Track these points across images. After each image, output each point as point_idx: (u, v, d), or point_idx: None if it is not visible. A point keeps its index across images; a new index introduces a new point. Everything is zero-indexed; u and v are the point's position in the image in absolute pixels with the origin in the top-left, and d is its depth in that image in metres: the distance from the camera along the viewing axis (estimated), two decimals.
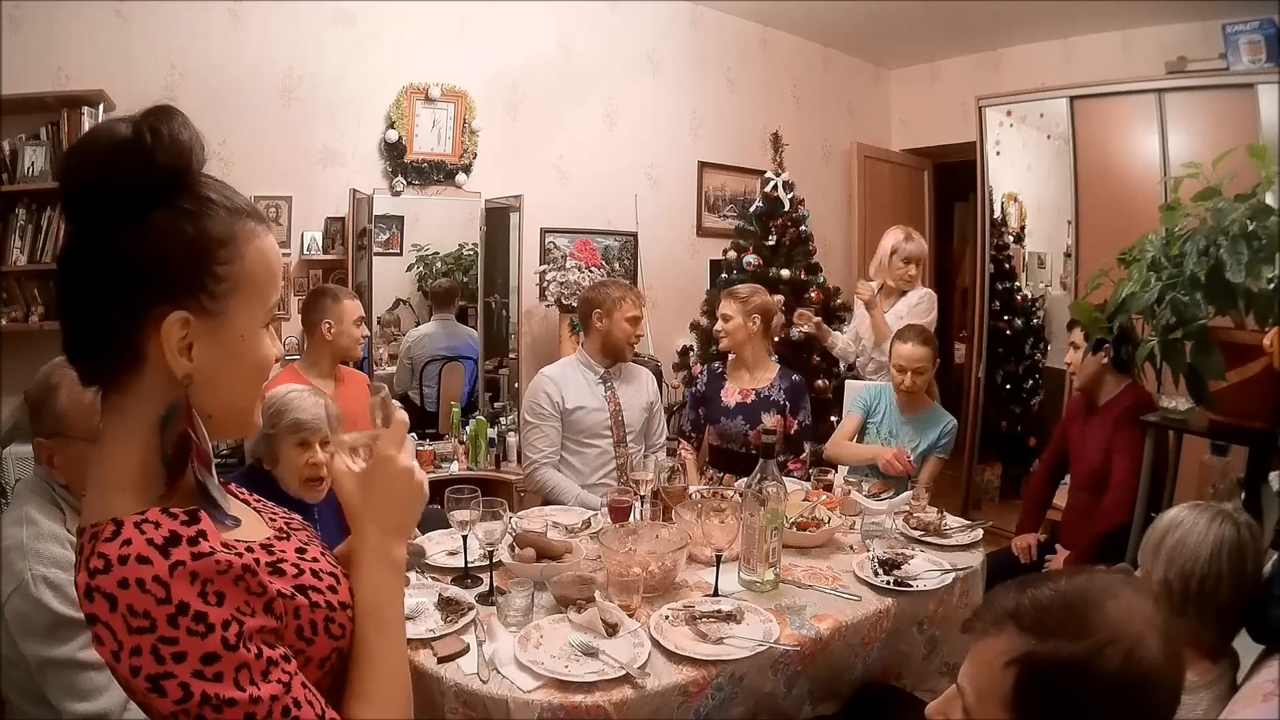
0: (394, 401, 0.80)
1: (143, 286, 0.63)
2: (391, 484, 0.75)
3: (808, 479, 2.34)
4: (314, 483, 1.70)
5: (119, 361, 0.65)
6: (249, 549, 0.68)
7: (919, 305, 3.10)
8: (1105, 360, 2.39)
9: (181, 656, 0.58)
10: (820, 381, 3.53)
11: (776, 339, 3.08)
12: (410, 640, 1.19)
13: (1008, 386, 4.23)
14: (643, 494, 2.00)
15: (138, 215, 0.62)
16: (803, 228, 3.74)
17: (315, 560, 0.74)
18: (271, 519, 0.79)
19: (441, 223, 3.69)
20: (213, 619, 0.59)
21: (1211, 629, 1.18)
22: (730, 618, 1.47)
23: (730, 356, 2.67)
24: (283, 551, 0.71)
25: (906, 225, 3.26)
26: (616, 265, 4.06)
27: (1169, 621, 0.72)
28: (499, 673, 1.28)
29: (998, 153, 4.15)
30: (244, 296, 0.67)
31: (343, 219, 3.38)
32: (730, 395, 2.61)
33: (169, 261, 0.63)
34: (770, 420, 2.48)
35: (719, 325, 2.65)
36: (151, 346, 0.64)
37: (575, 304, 3.05)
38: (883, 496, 2.22)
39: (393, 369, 3.65)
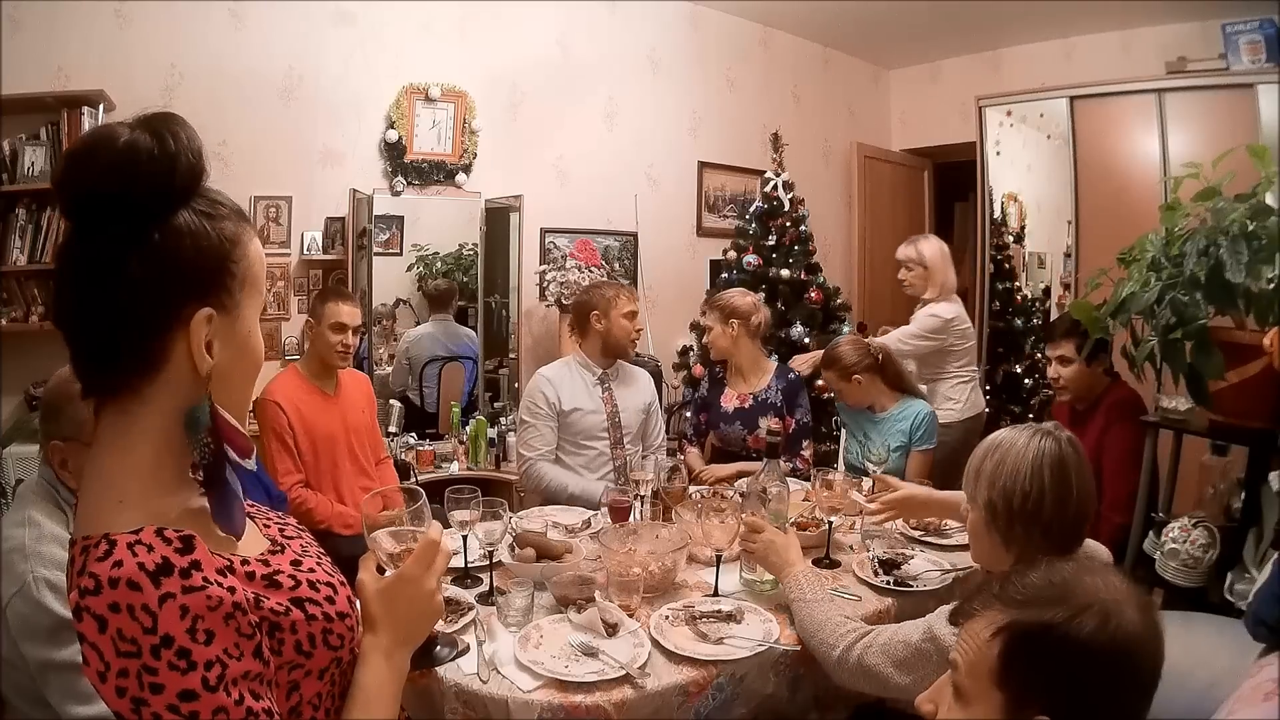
0: (433, 521, 0.85)
1: (175, 286, 0.64)
2: (412, 603, 0.77)
3: (809, 479, 2.34)
4: None
5: (139, 366, 0.64)
6: (244, 562, 0.68)
7: None
8: (1101, 370, 2.39)
9: (159, 688, 0.57)
10: (821, 381, 3.52)
11: (770, 336, 3.08)
12: None
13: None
14: (643, 494, 2.00)
15: (161, 219, 0.63)
16: (803, 228, 3.74)
17: (311, 571, 0.74)
18: (265, 525, 0.79)
19: (441, 223, 3.69)
20: (196, 657, 0.58)
21: (1042, 546, 1.18)
22: (730, 618, 1.47)
23: (727, 361, 2.68)
24: (279, 564, 0.71)
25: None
26: (616, 265, 4.05)
27: (1144, 594, 0.75)
28: (499, 673, 1.29)
29: (998, 153, 4.15)
30: (250, 293, 0.70)
31: (343, 219, 3.37)
32: (729, 401, 2.62)
33: (199, 260, 0.65)
34: (768, 423, 2.48)
35: (705, 338, 2.68)
36: (177, 348, 0.65)
37: (570, 309, 3.04)
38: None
39: (390, 369, 3.65)
